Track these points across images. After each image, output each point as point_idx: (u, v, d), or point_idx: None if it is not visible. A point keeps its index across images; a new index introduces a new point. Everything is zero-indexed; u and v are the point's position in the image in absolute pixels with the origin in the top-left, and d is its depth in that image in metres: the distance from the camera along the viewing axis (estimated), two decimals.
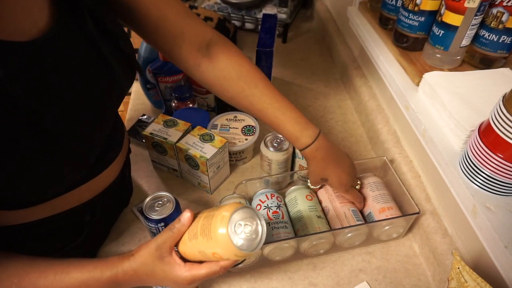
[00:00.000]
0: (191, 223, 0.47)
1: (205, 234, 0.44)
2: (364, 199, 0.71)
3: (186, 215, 0.47)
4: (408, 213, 0.67)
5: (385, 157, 0.76)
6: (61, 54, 0.43)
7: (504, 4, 0.64)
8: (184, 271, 0.47)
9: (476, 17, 0.64)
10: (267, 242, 0.62)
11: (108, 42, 0.49)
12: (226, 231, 0.42)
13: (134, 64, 0.55)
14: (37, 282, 0.45)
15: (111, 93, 0.52)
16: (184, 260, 0.49)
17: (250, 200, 0.72)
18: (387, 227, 0.66)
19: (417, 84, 0.73)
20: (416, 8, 0.72)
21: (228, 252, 0.43)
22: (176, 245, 0.49)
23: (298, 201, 0.69)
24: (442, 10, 0.67)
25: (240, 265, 0.60)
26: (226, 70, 0.62)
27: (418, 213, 0.65)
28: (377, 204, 0.69)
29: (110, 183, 0.60)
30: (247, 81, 0.62)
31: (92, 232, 0.61)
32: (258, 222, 0.44)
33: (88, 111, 0.47)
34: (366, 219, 0.70)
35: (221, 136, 0.74)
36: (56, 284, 0.46)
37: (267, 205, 0.68)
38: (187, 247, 0.48)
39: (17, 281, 0.44)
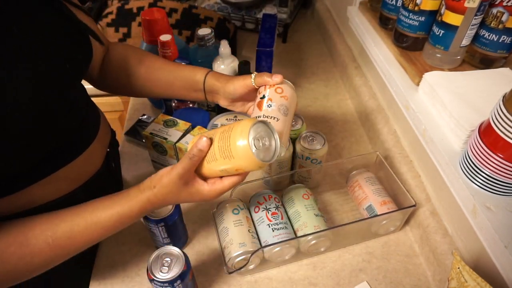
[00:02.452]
0: (209, 148, 0.50)
1: (226, 155, 0.48)
2: (364, 192, 0.72)
3: (204, 140, 0.49)
4: (404, 206, 0.67)
5: (377, 152, 0.76)
6: (5, 21, 0.43)
7: (504, 4, 0.64)
8: (209, 189, 0.52)
9: (476, 17, 0.64)
10: (268, 244, 0.63)
11: (53, 9, 0.50)
12: (247, 144, 0.46)
13: (85, 30, 0.55)
14: (71, 230, 0.48)
15: (62, 59, 0.50)
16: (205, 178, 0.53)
17: (247, 203, 0.72)
18: (384, 222, 0.66)
19: (417, 84, 0.73)
20: (416, 8, 0.72)
21: (252, 165, 0.47)
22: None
23: (295, 200, 0.69)
24: (442, 10, 0.67)
25: (242, 269, 0.60)
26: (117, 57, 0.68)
27: (414, 205, 0.66)
28: (378, 197, 0.69)
29: (93, 174, 0.60)
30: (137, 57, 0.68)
31: None
32: (272, 135, 0.49)
33: (37, 78, 0.46)
34: (366, 212, 0.70)
35: None
36: (91, 228, 0.49)
37: (266, 206, 0.68)
38: (206, 169, 0.51)
39: (51, 233, 0.46)
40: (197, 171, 0.52)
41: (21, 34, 0.45)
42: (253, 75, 0.60)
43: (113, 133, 0.72)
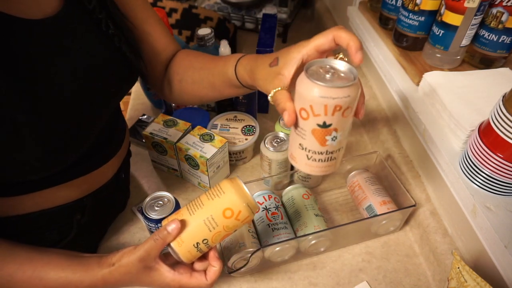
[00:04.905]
0: (178, 233, 0.46)
1: (214, 195, 0.47)
2: (364, 192, 0.71)
3: (173, 225, 0.46)
4: (404, 206, 0.67)
5: (377, 152, 0.76)
6: (62, 38, 0.46)
7: (504, 4, 0.64)
8: (172, 278, 0.48)
9: (476, 17, 0.64)
10: (268, 244, 0.63)
11: (110, 39, 0.52)
12: (237, 179, 0.47)
13: (137, 65, 0.57)
14: (14, 274, 0.45)
15: (109, 83, 0.53)
16: (175, 260, 0.49)
17: None
18: (384, 222, 0.66)
19: (417, 84, 0.73)
20: (416, 8, 0.73)
21: (241, 199, 0.46)
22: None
23: (295, 200, 0.69)
24: (442, 10, 0.67)
25: (242, 269, 0.60)
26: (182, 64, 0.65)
27: (414, 205, 0.65)
28: (378, 197, 0.69)
29: (103, 184, 0.60)
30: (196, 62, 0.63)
31: (83, 233, 0.60)
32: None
33: (83, 96, 0.48)
34: (366, 212, 0.70)
35: (221, 136, 0.74)
36: (34, 282, 0.46)
37: (266, 206, 0.68)
38: (189, 223, 0.47)
39: None
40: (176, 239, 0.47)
41: (80, 53, 0.48)
42: (272, 92, 0.45)
43: (129, 143, 0.71)
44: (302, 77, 0.40)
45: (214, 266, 0.49)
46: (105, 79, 0.52)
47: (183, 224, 0.47)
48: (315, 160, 0.43)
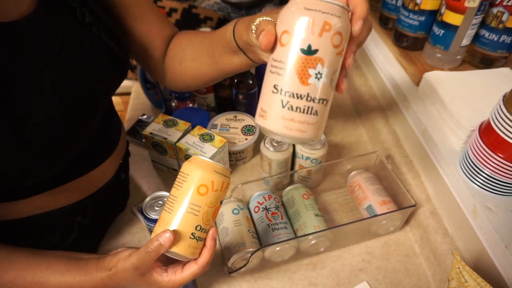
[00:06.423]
0: (172, 244, 0.45)
1: (181, 183, 0.45)
2: (364, 192, 0.71)
3: (166, 235, 0.44)
4: (404, 206, 0.67)
5: (377, 152, 0.76)
6: (42, 38, 0.44)
7: (504, 3, 0.64)
8: (168, 280, 0.48)
9: (476, 17, 0.64)
10: (268, 244, 0.62)
11: (92, 32, 0.50)
12: (194, 156, 0.46)
13: (122, 57, 0.55)
14: (16, 281, 0.46)
15: (96, 81, 0.52)
16: (169, 260, 0.49)
17: (247, 203, 0.72)
18: (384, 222, 0.66)
19: (417, 84, 0.73)
20: (416, 8, 0.72)
21: (207, 170, 0.45)
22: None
23: (295, 200, 0.69)
24: (443, 10, 0.67)
25: (242, 269, 0.60)
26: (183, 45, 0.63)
27: (414, 205, 0.65)
28: (378, 197, 0.69)
29: (103, 184, 0.60)
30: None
31: (83, 234, 0.60)
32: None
33: (69, 97, 0.47)
34: (366, 212, 0.70)
35: (221, 136, 0.74)
36: (34, 287, 0.47)
37: (266, 206, 0.68)
38: (174, 221, 0.45)
39: None
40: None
41: (62, 52, 0.46)
42: (257, 20, 0.39)
43: (127, 143, 0.71)
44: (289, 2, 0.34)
45: (205, 245, 0.48)
46: (92, 75, 0.51)
47: (169, 227, 0.45)
48: (292, 108, 0.33)
